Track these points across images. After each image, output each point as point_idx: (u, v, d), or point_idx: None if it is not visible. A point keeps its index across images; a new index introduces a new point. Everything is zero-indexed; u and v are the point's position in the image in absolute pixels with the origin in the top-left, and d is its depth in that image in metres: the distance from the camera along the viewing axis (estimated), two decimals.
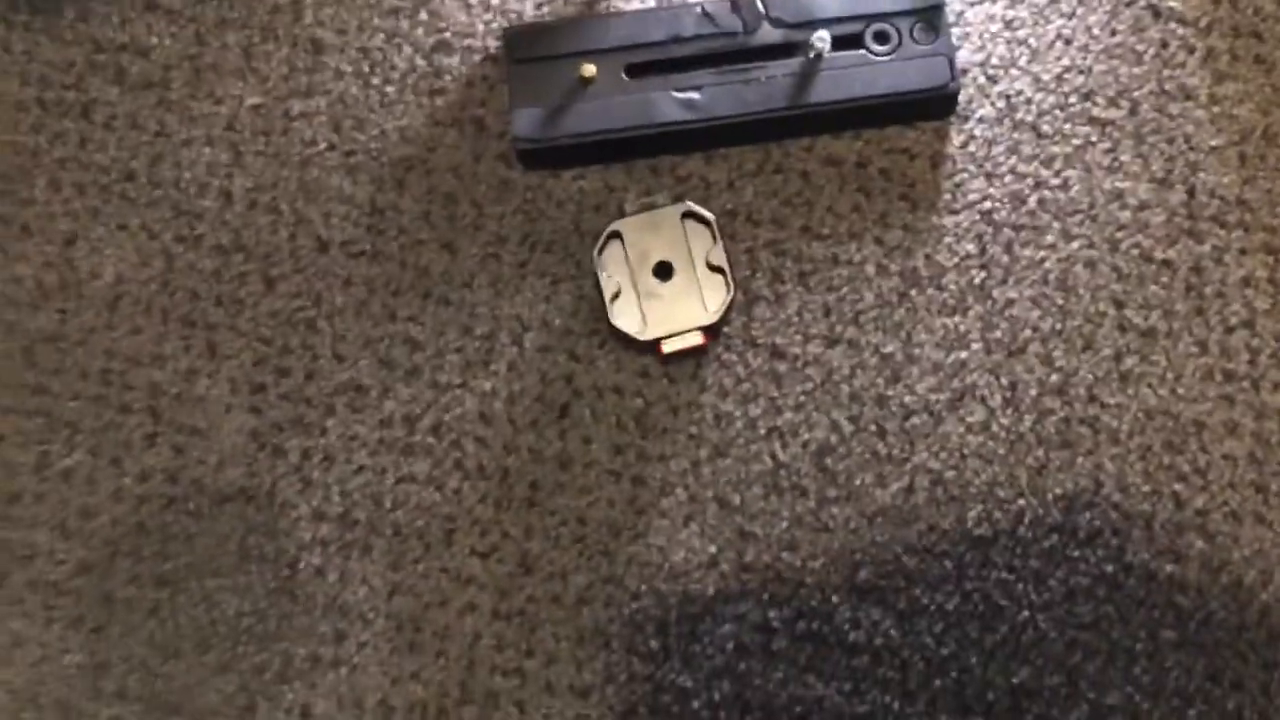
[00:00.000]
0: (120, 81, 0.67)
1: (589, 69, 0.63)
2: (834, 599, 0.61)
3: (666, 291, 0.62)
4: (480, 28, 0.67)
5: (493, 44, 0.66)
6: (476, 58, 0.66)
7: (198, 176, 0.66)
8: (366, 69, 0.66)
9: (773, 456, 0.63)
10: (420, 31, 0.67)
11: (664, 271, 0.62)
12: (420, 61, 0.67)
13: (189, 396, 0.64)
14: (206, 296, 0.65)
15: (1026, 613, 0.61)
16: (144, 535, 0.62)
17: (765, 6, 0.64)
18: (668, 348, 0.61)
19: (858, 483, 0.62)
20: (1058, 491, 0.62)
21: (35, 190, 0.66)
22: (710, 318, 0.61)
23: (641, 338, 0.61)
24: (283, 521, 0.62)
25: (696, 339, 0.61)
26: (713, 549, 0.62)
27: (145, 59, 0.67)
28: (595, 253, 0.62)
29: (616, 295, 0.62)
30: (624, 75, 0.64)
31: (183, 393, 0.64)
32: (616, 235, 0.62)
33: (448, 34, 0.67)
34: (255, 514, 0.62)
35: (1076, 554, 0.61)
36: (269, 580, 0.62)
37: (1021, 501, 0.62)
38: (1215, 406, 0.62)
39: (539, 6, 0.67)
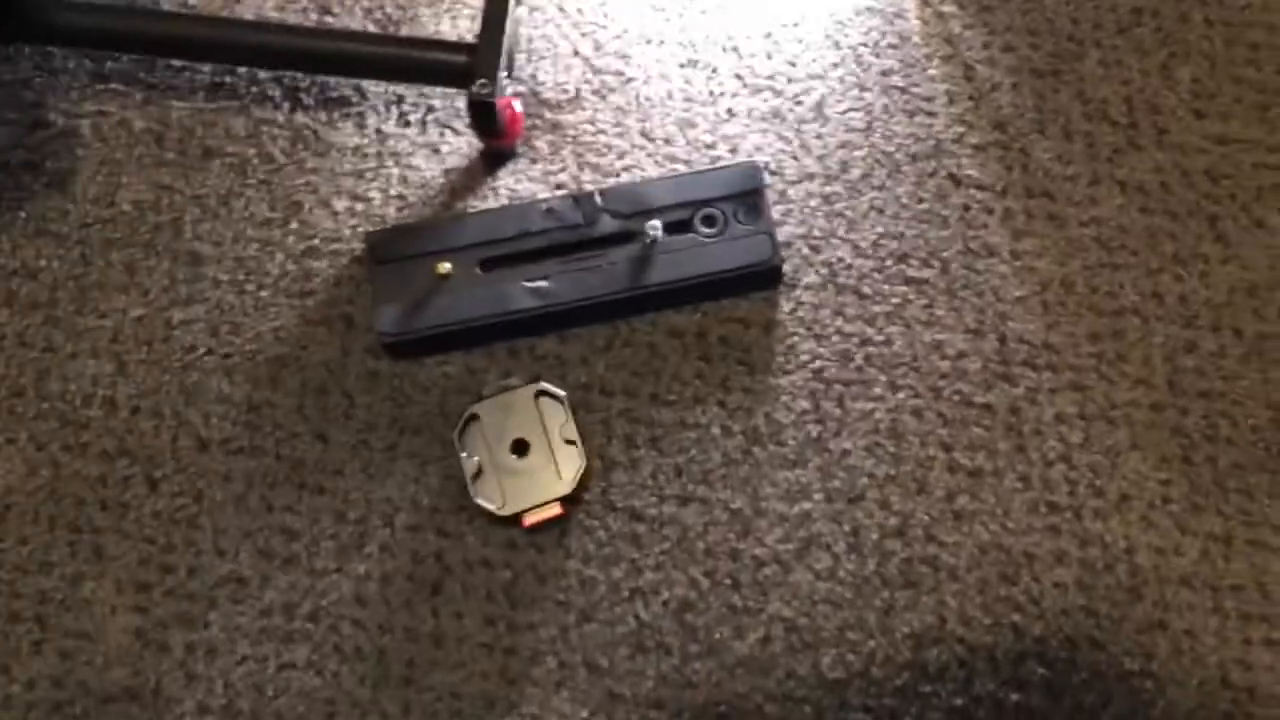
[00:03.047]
0: (10, 303, 0.69)
1: (444, 266, 0.66)
2: None
3: (524, 467, 0.64)
4: (346, 232, 0.70)
5: (358, 246, 0.70)
6: (343, 260, 0.70)
7: (83, 388, 0.67)
8: (242, 276, 0.69)
9: (636, 617, 0.64)
10: (291, 239, 0.70)
11: (521, 448, 0.64)
12: (291, 266, 0.69)
13: (74, 601, 0.64)
14: (92, 502, 0.65)
15: None
16: None
17: (603, 200, 0.68)
18: (529, 520, 0.63)
19: (717, 636, 0.63)
20: (905, 630, 0.63)
21: None
22: (566, 488, 0.63)
23: (502, 513, 0.63)
24: (168, 717, 0.62)
25: (554, 510, 0.63)
26: (584, 713, 0.62)
27: (33, 280, 0.69)
28: (455, 436, 0.64)
29: (478, 474, 0.64)
30: (478, 269, 0.67)
31: (68, 598, 0.64)
32: (475, 417, 0.65)
33: (316, 240, 0.70)
34: (140, 712, 0.62)
35: (928, 689, 0.63)
36: None
37: (872, 642, 0.63)
38: (1043, 537, 0.65)
39: (400, 210, 0.71)
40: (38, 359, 0.68)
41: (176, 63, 0.73)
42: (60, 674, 0.63)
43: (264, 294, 0.69)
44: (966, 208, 0.71)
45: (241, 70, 0.73)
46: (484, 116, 0.67)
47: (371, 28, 0.74)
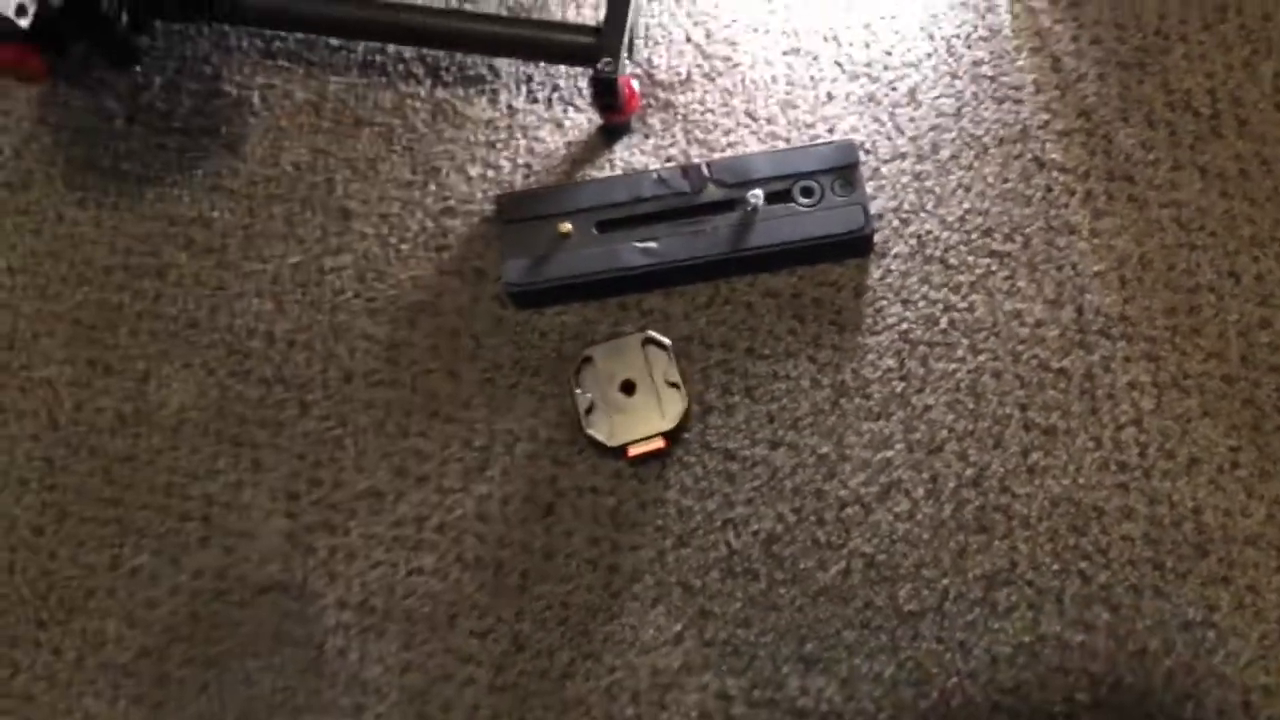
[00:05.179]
0: (188, 248, 0.78)
1: (566, 226, 0.73)
2: (784, 669, 0.67)
3: (631, 404, 0.70)
4: (479, 195, 0.78)
5: (488, 208, 0.77)
6: (475, 219, 0.77)
7: (247, 323, 0.76)
8: (385, 231, 0.77)
9: (728, 545, 0.69)
10: (430, 200, 0.78)
11: (629, 388, 0.71)
12: (430, 223, 0.77)
13: (236, 505, 0.72)
14: (252, 420, 0.74)
15: (955, 679, 0.66)
16: (196, 623, 0.70)
17: (709, 171, 0.74)
18: (633, 452, 0.69)
19: (801, 566, 0.69)
20: (977, 571, 0.68)
21: (118, 337, 0.76)
22: (668, 425, 0.69)
23: (610, 444, 0.69)
24: (312, 609, 0.70)
25: (658, 444, 0.69)
26: (677, 627, 0.68)
27: (208, 229, 0.78)
28: (571, 375, 0.71)
29: (590, 409, 0.70)
30: (595, 230, 0.74)
31: (230, 501, 0.72)
32: (589, 359, 0.71)
33: (452, 201, 0.78)
34: (289, 603, 0.70)
35: (996, 626, 0.67)
36: (299, 661, 0.69)
37: (946, 580, 0.68)
38: (1112, 494, 0.68)
39: (526, 177, 0.78)
40: (210, 296, 0.77)
41: (334, 42, 0.82)
42: (222, 567, 0.71)
43: (405, 247, 0.77)
44: (1049, 189, 0.75)
45: (390, 50, 0.81)
46: (606, 93, 0.74)
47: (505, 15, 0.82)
